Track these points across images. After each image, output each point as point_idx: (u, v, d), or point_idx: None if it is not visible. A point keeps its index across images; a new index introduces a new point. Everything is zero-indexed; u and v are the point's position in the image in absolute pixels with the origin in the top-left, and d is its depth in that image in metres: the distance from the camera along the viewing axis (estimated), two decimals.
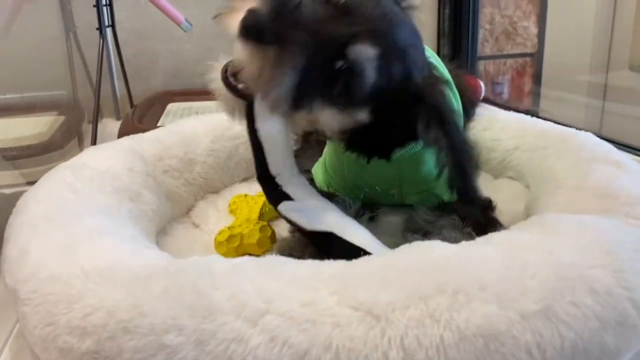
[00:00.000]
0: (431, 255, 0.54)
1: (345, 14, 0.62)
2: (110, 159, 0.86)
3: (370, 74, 0.63)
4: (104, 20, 1.52)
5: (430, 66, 0.75)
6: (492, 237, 0.60)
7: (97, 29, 1.50)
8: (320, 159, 0.92)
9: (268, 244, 0.86)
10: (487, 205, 0.84)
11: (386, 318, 0.47)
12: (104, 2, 1.52)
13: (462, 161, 0.66)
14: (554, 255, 0.54)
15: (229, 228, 0.86)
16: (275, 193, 0.72)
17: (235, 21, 0.59)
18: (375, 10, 0.63)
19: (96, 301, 0.51)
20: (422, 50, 0.73)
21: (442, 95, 0.70)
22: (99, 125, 1.48)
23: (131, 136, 1.01)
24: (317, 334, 0.46)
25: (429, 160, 0.79)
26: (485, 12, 2.13)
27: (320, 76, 0.62)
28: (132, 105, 1.77)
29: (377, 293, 0.48)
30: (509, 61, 2.22)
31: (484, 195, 0.85)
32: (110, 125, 1.73)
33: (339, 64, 0.62)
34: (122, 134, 1.39)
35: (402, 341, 0.46)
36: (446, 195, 0.84)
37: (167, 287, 0.50)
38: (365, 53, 0.61)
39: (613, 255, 0.56)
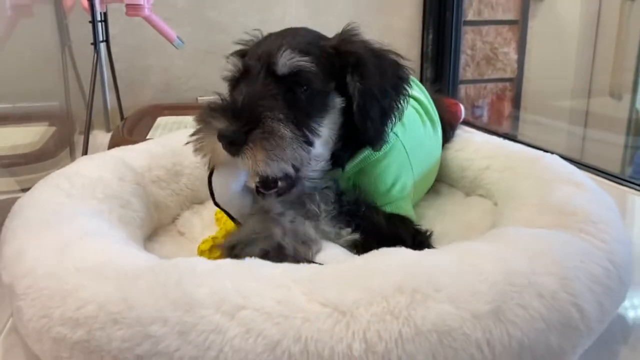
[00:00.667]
0: (394, 260, 0.59)
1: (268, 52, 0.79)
2: (102, 168, 0.91)
3: (303, 62, 0.76)
4: (98, 36, 1.57)
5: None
6: (453, 246, 0.65)
7: (91, 43, 1.55)
8: None
9: None
10: (420, 234, 0.86)
11: (351, 314, 0.52)
12: (99, 18, 1.57)
13: (370, 102, 0.79)
14: (505, 263, 0.60)
15: (212, 238, 0.91)
16: None
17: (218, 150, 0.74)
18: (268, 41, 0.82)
19: (88, 295, 0.55)
20: (318, 34, 0.86)
21: (357, 42, 0.82)
22: (90, 137, 1.52)
23: (122, 147, 1.06)
24: (288, 327, 0.51)
25: (381, 174, 0.89)
26: (467, 38, 2.22)
27: (293, 106, 0.76)
28: (122, 118, 1.82)
29: (343, 292, 0.54)
30: (489, 85, 2.30)
31: (422, 227, 0.89)
32: (100, 136, 1.77)
33: (286, 81, 0.76)
34: (112, 145, 1.43)
35: (365, 335, 0.51)
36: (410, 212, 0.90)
37: (154, 284, 0.55)
38: (284, 55, 0.76)
39: (560, 264, 0.62)
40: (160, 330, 0.51)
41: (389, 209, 0.87)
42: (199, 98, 1.99)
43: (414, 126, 1.00)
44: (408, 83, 0.86)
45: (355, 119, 0.79)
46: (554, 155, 1.05)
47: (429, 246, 0.83)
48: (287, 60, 0.76)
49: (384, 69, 0.82)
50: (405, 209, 0.91)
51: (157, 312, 0.52)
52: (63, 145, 1.49)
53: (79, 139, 1.55)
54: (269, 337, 0.50)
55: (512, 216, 0.87)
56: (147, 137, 1.52)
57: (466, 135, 1.26)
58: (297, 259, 0.68)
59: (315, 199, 0.77)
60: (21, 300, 0.60)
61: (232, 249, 0.70)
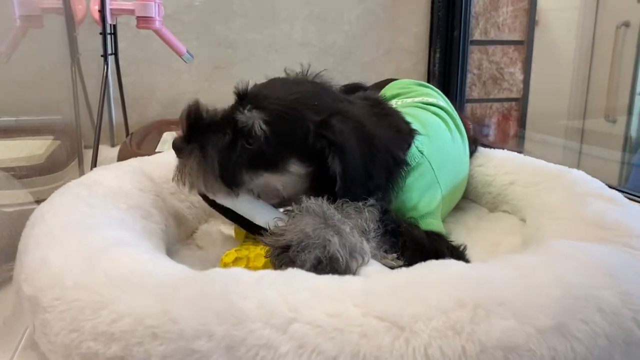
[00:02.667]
0: (448, 273, 0.56)
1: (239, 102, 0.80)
2: (121, 179, 0.87)
3: (260, 128, 0.76)
4: (107, 48, 1.55)
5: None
6: (502, 258, 0.62)
7: (101, 55, 1.52)
8: None
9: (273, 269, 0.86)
10: (456, 249, 0.83)
11: (410, 329, 0.49)
12: (108, 31, 1.55)
13: (353, 185, 0.76)
14: (563, 277, 0.57)
15: (236, 250, 0.87)
16: None
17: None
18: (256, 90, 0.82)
19: (124, 308, 0.52)
20: (313, 98, 0.81)
21: (342, 128, 0.77)
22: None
23: (138, 158, 1.03)
24: (345, 342, 0.47)
25: (406, 192, 0.86)
26: (474, 58, 2.22)
27: (241, 155, 0.78)
28: (127, 132, 1.79)
29: (400, 306, 0.50)
30: (495, 105, 2.30)
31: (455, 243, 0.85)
32: (105, 151, 1.74)
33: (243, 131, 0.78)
34: (121, 158, 1.40)
35: (426, 351, 0.47)
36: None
37: (196, 295, 0.51)
38: (250, 115, 0.77)
39: (617, 278, 0.59)
40: (206, 345, 0.48)
41: (422, 226, 0.84)
42: None
43: (441, 137, 0.97)
44: (402, 167, 0.83)
45: (337, 191, 0.77)
46: (580, 171, 1.03)
47: (467, 261, 0.79)
48: (245, 117, 0.77)
49: (371, 156, 0.79)
50: (436, 225, 0.88)
51: (201, 326, 0.48)
52: (69, 159, 1.46)
53: (85, 153, 1.52)
54: (324, 353, 0.47)
55: (546, 230, 0.84)
56: (156, 150, 1.49)
57: (485, 151, 1.24)
58: (345, 271, 0.65)
59: (364, 215, 0.74)
60: (48, 312, 0.56)
61: (285, 249, 0.67)
